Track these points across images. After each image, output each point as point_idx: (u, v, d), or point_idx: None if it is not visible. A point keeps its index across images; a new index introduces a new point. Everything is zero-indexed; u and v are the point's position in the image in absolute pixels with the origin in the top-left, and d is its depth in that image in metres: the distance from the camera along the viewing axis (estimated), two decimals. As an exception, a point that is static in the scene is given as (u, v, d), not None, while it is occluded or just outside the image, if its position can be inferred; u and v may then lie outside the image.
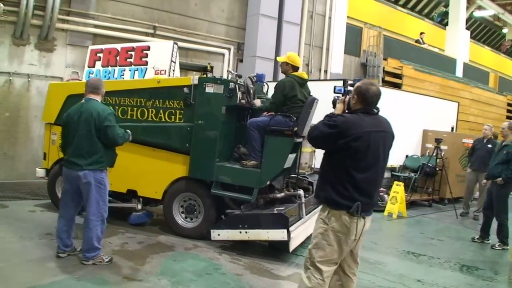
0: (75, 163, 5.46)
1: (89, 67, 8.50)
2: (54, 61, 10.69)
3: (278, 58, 7.39)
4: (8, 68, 10.21)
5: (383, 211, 10.46)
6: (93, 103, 5.56)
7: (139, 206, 7.58)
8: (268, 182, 6.91)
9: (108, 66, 8.32)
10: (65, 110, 7.42)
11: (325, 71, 15.95)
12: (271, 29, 12.94)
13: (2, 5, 9.68)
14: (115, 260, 5.81)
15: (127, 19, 11.74)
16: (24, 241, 6.25)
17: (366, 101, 3.97)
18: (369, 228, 4.15)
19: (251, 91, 7.37)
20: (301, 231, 6.70)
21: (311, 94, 7.10)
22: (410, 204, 11.26)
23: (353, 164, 3.85)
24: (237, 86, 6.90)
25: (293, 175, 7.89)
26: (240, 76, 7.42)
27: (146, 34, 12.01)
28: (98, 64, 8.41)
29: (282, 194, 7.30)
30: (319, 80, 14.79)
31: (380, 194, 10.83)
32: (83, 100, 5.66)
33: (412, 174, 11.93)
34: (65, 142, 5.77)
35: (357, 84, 4.08)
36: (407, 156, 12.57)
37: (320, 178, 4.22)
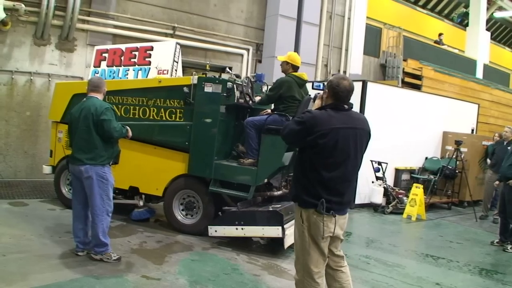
0: (77, 158, 5.59)
1: (94, 66, 8.67)
2: (75, 61, 10.79)
3: (278, 57, 7.49)
4: (29, 68, 10.33)
5: (402, 213, 10.39)
6: (92, 100, 5.69)
7: (141, 203, 7.72)
8: (265, 180, 6.99)
9: (113, 66, 8.47)
10: (71, 108, 7.66)
11: (344, 72, 15.85)
12: (290, 30, 12.90)
13: (23, 5, 9.80)
14: (134, 259, 5.87)
15: (147, 19, 11.81)
16: (44, 239, 6.32)
17: (337, 96, 3.87)
18: (343, 231, 4.10)
19: (249, 91, 7.51)
20: None
21: (309, 94, 7.13)
22: (429, 207, 11.18)
23: (321, 162, 3.80)
24: (235, 85, 6.99)
25: (291, 174, 7.92)
26: (238, 76, 7.52)
27: (166, 34, 12.07)
28: (104, 64, 8.56)
29: (280, 192, 7.41)
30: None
31: (399, 196, 10.77)
32: (85, 99, 5.81)
33: (432, 177, 11.80)
34: (70, 140, 5.91)
35: (330, 78, 4.03)
36: (426, 158, 12.46)
37: (293, 177, 4.25)
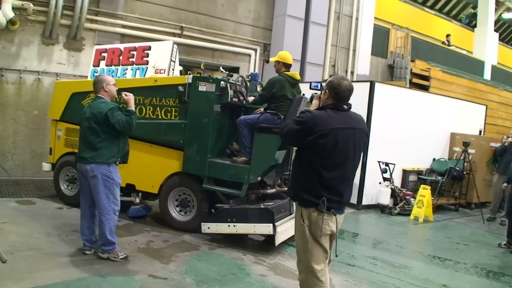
0: (83, 157, 5.63)
1: (94, 66, 8.73)
2: (83, 60, 10.81)
3: (271, 59, 7.62)
4: (37, 67, 10.39)
5: (409, 214, 10.36)
6: (96, 101, 5.74)
7: (137, 200, 7.80)
8: (259, 178, 7.07)
9: (111, 65, 8.53)
10: (70, 107, 8.01)
11: (352, 73, 15.88)
12: (298, 30, 12.91)
13: (32, 5, 9.85)
14: (140, 258, 5.88)
15: (155, 19, 11.85)
16: (51, 238, 6.34)
17: (338, 96, 3.89)
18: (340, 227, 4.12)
19: (243, 90, 7.62)
20: (290, 226, 6.82)
21: (303, 93, 7.23)
22: (437, 208, 11.13)
23: (321, 162, 3.83)
24: (228, 84, 7.08)
25: (286, 172, 7.96)
26: (231, 75, 7.55)
27: (173, 34, 12.10)
28: (103, 63, 8.63)
29: (273, 190, 7.49)
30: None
31: (407, 197, 10.74)
32: (92, 98, 5.98)
33: (439, 178, 11.77)
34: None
35: (329, 79, 4.05)
36: (434, 159, 12.41)
37: (291, 176, 4.30)
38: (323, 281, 3.94)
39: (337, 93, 3.87)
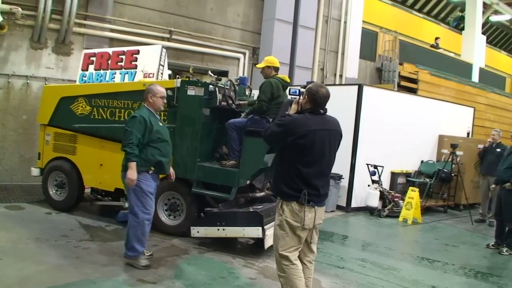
0: (122, 164, 5.66)
1: (82, 70, 8.70)
2: (71, 64, 10.79)
3: (257, 66, 7.68)
4: (26, 71, 10.36)
5: (398, 216, 10.41)
6: (138, 109, 5.87)
7: (126, 205, 7.67)
8: (248, 182, 7.09)
9: (100, 70, 8.51)
10: (58, 111, 8.01)
11: (340, 76, 15.95)
12: (286, 34, 12.91)
13: (20, 9, 9.80)
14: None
15: (144, 23, 11.85)
16: (40, 243, 6.32)
17: (315, 102, 4.29)
18: (322, 221, 4.52)
19: (231, 94, 7.62)
20: None
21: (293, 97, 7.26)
22: (425, 210, 11.19)
23: (300, 159, 4.21)
24: (217, 88, 7.09)
25: None
26: (219, 79, 7.53)
27: (162, 38, 12.10)
28: (91, 67, 8.60)
29: (262, 193, 7.57)
30: (334, 85, 14.75)
31: (395, 199, 10.80)
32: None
33: (428, 180, 11.84)
34: None
35: (309, 85, 4.44)
36: (422, 161, 12.50)
37: (274, 174, 4.67)
38: (297, 264, 4.32)
39: (315, 99, 4.29)
